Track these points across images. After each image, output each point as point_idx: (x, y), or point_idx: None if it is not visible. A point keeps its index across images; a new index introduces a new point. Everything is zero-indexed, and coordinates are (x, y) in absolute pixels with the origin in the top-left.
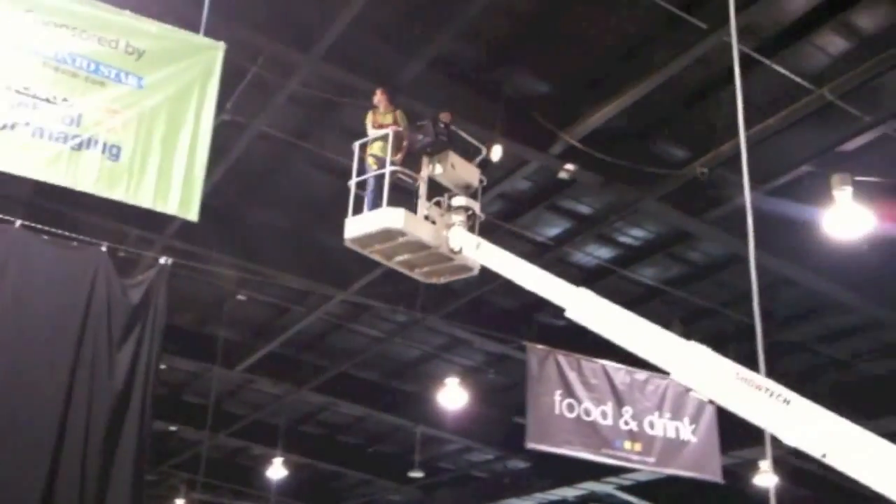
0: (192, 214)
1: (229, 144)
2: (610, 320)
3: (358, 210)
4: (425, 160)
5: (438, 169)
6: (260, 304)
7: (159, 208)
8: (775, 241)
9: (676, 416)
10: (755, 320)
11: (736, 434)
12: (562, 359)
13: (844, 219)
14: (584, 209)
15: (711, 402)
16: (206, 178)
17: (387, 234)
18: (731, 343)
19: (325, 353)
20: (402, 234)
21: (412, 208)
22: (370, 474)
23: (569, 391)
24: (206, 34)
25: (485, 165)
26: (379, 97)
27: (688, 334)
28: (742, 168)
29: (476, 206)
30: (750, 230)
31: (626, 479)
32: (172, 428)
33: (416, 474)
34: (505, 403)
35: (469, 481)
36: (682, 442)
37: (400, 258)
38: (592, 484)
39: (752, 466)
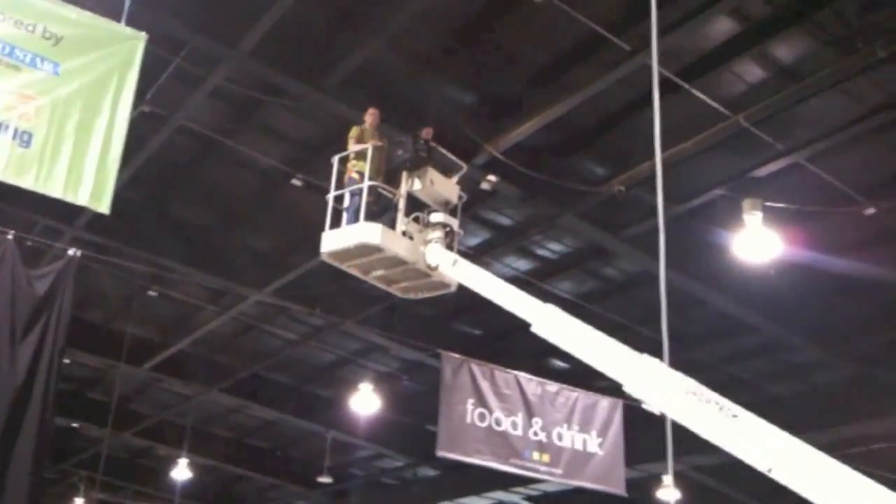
0: (104, 206)
1: (148, 137)
2: (573, 336)
3: (336, 225)
4: (404, 176)
5: (417, 185)
6: (172, 302)
7: (70, 198)
8: (688, 261)
9: (584, 428)
10: (663, 338)
11: (641, 448)
12: (476, 368)
13: (754, 242)
14: (505, 221)
15: (662, 414)
16: (122, 170)
17: (363, 249)
18: None
19: (237, 355)
20: (378, 249)
21: (393, 225)
22: (278, 479)
23: (481, 400)
24: (129, 24)
25: (464, 182)
26: (371, 116)
27: None
28: (657, 188)
29: (454, 222)
30: (662, 250)
31: (534, 490)
32: (74, 424)
33: (325, 480)
34: (418, 411)
35: (378, 488)
36: (589, 454)
37: (377, 273)
38: (501, 494)
39: (656, 480)
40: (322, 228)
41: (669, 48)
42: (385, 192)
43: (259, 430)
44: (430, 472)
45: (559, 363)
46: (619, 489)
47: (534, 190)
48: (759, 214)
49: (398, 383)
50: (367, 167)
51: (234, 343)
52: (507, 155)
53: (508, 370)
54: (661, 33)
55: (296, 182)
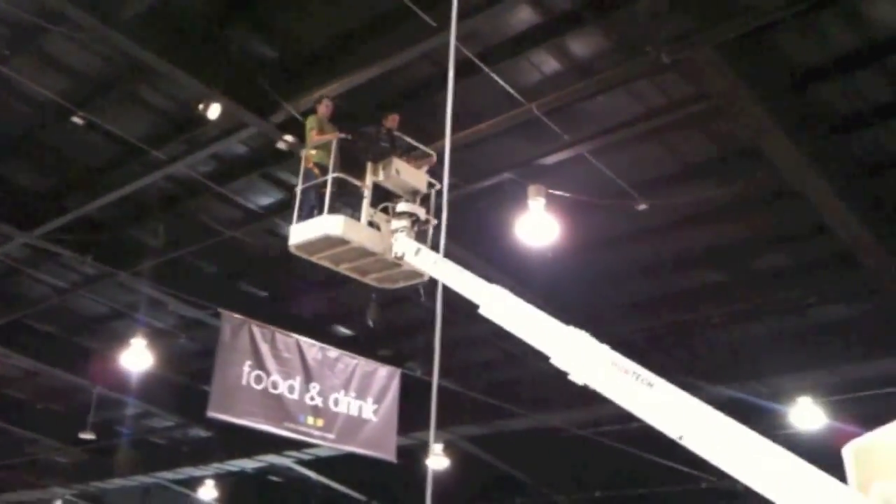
0: None
1: None
2: (517, 316)
3: (307, 218)
4: (369, 166)
5: (381, 175)
6: None
7: None
8: (472, 239)
9: (361, 395)
10: (437, 315)
11: (416, 417)
12: (256, 330)
13: (534, 227)
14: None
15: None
16: None
17: (329, 241)
18: (420, 333)
19: None
20: (343, 241)
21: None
22: (37, 433)
23: (259, 363)
24: None
25: (434, 170)
26: (325, 106)
27: (383, 317)
28: (444, 166)
29: (421, 211)
30: (443, 232)
31: (307, 454)
32: None
33: (88, 436)
34: (193, 370)
35: (145, 447)
36: (363, 421)
37: (348, 264)
38: (273, 457)
39: (427, 448)
40: (102, 171)
41: (472, 30)
42: (354, 184)
43: (18, 380)
44: (201, 434)
45: (343, 329)
46: (390, 456)
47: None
48: (542, 201)
49: (174, 341)
50: (331, 159)
51: None
52: (307, 116)
53: (290, 334)
54: (465, 15)
55: (76, 120)
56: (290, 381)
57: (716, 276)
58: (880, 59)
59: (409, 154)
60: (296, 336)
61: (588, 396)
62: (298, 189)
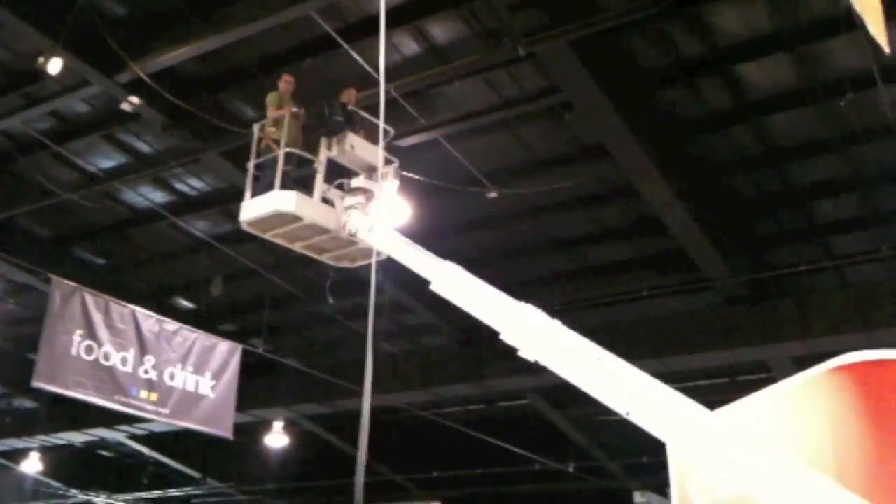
0: None
1: None
2: (468, 293)
3: (259, 194)
4: (323, 141)
5: (336, 150)
6: None
7: None
8: None
9: (199, 370)
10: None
11: (254, 394)
12: (89, 298)
13: (386, 208)
14: (144, 147)
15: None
16: None
17: (281, 218)
18: (264, 309)
19: None
20: (295, 217)
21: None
22: None
23: (91, 332)
24: None
25: (391, 147)
26: (286, 83)
27: (227, 291)
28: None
29: (376, 187)
30: (384, 208)
31: (140, 429)
32: None
33: None
34: (21, 337)
35: None
36: (200, 396)
37: (303, 243)
38: (103, 430)
39: (267, 425)
40: None
41: (335, 4)
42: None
43: None
44: (26, 404)
45: (184, 302)
46: (227, 433)
47: (179, 120)
48: (395, 182)
49: (2, 306)
50: (283, 134)
51: None
52: (155, 79)
53: (126, 304)
54: None
55: None
56: (123, 353)
57: (559, 265)
58: (723, 68)
59: (366, 130)
60: (132, 306)
61: (429, 378)
62: (251, 164)
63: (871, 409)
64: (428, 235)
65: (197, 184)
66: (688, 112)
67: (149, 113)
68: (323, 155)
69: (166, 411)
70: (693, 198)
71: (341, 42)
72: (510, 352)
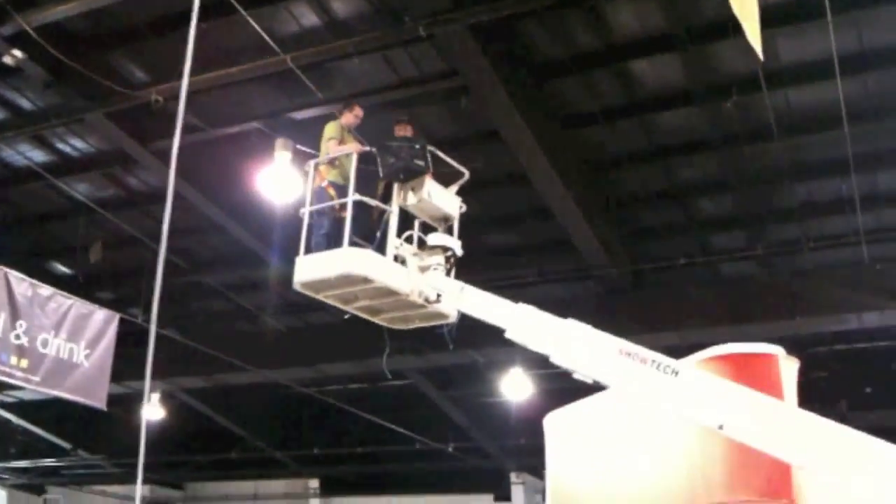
0: None
1: None
2: (543, 334)
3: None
4: (396, 188)
5: (412, 198)
6: None
7: None
8: (214, 186)
9: (73, 338)
10: (159, 261)
11: (131, 365)
12: None
13: (279, 181)
14: (25, 104)
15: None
16: None
17: (347, 279)
18: (144, 278)
19: None
20: (366, 279)
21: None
22: None
23: None
24: None
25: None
26: (355, 116)
27: (106, 258)
28: (180, 107)
29: (457, 244)
30: (172, 171)
31: (9, 396)
32: None
33: None
34: None
35: None
36: (74, 365)
37: (361, 304)
38: None
39: (142, 397)
40: None
41: None
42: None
43: None
44: None
45: (60, 267)
46: (100, 403)
47: (64, 78)
48: (288, 155)
49: None
50: (351, 177)
51: None
52: (41, 33)
53: None
54: None
55: None
56: None
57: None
58: (616, 63)
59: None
60: (4, 269)
61: (314, 356)
62: (306, 210)
63: None
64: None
65: (80, 145)
66: (580, 104)
67: (32, 68)
68: (396, 205)
69: (37, 379)
70: (580, 188)
71: (238, 7)
72: (394, 332)
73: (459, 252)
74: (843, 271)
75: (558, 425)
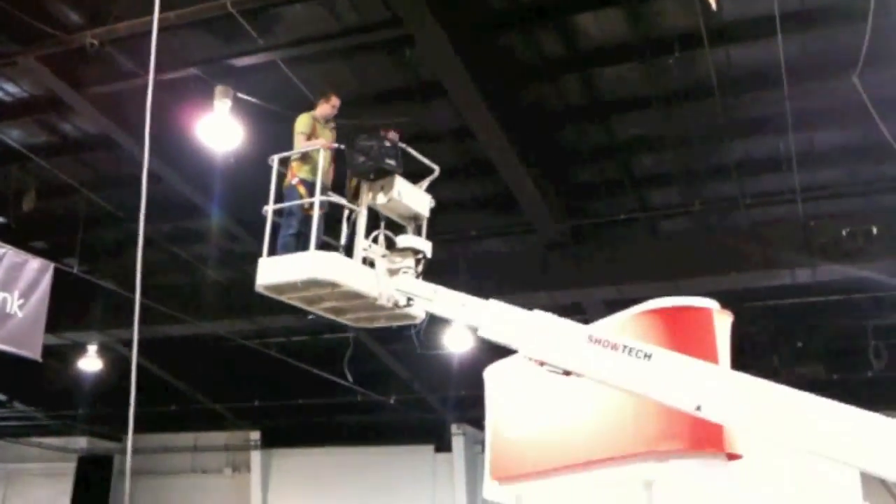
0: None
1: None
2: (516, 328)
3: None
4: (365, 186)
5: (382, 198)
6: None
7: None
8: (151, 133)
9: (6, 287)
10: (140, 235)
11: (66, 316)
12: None
13: (219, 129)
14: None
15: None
16: None
17: (315, 284)
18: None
19: None
20: (333, 284)
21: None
22: None
23: None
24: None
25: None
26: (332, 107)
27: (40, 206)
28: (151, 51)
29: (427, 246)
30: (146, 147)
31: None
32: None
33: None
34: None
35: None
36: (7, 315)
37: (326, 305)
38: None
39: (80, 349)
40: None
41: None
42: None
43: None
44: None
45: None
46: (34, 354)
47: None
48: (228, 103)
49: None
50: (318, 175)
51: None
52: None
53: None
54: None
55: None
56: None
57: None
58: (560, 16)
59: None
60: None
61: (254, 308)
62: (270, 208)
63: (676, 348)
64: (261, 161)
65: (12, 89)
66: (523, 58)
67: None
68: (364, 205)
69: None
70: (522, 143)
71: None
72: None
73: (430, 254)
74: (778, 228)
75: (498, 377)
